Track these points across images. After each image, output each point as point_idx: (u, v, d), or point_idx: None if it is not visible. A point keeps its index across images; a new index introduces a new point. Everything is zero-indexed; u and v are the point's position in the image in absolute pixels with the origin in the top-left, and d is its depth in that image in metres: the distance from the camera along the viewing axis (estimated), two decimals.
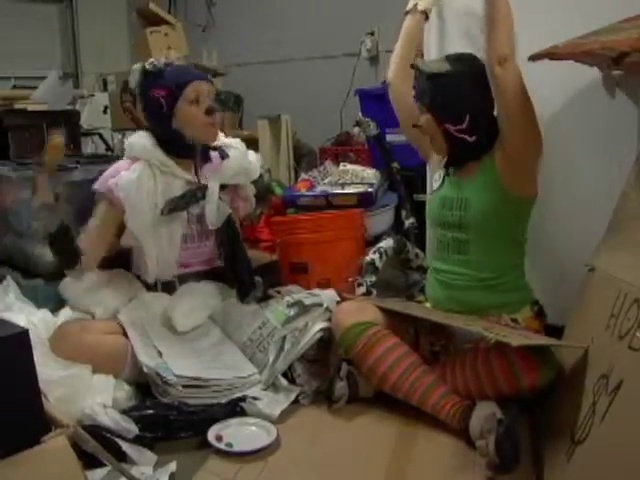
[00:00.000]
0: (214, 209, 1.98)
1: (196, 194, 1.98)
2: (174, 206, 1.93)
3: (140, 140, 1.98)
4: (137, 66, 1.99)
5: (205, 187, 1.99)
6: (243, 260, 2.06)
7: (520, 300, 1.83)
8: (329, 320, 1.88)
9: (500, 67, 1.66)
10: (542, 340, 1.65)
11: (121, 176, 1.89)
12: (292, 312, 1.90)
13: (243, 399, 1.71)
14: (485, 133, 1.78)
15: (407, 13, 2.05)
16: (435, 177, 1.96)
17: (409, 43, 2.04)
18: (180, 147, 1.98)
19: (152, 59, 2.01)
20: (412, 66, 1.85)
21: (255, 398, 1.73)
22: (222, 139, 2.13)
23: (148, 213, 1.89)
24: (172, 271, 2.00)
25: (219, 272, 2.08)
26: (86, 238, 1.89)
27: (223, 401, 1.70)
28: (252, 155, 2.20)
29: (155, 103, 1.95)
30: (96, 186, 1.95)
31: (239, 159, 2.11)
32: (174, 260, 1.98)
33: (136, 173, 1.90)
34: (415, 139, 2.02)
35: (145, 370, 1.71)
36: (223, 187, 2.05)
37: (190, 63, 3.33)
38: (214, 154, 2.07)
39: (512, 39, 1.67)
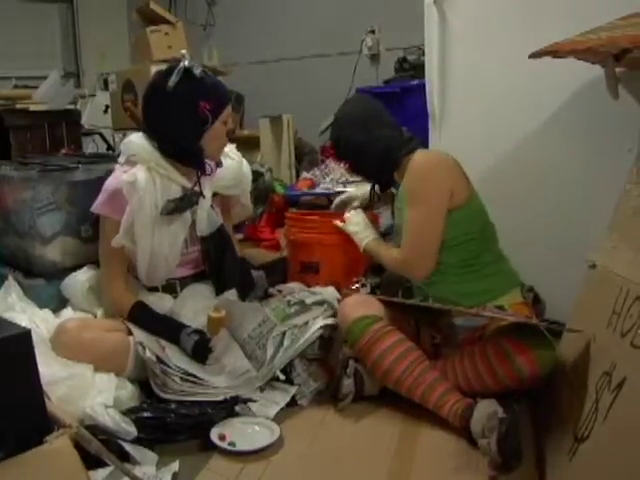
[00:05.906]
0: (205, 217, 1.97)
1: (192, 198, 1.94)
2: (174, 207, 1.89)
3: (139, 141, 1.92)
4: (181, 65, 1.82)
5: (200, 193, 1.95)
6: (231, 272, 2.03)
7: (504, 284, 1.84)
8: (330, 317, 1.90)
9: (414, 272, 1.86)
10: (529, 321, 1.67)
11: (129, 174, 1.84)
12: (293, 310, 1.91)
13: (238, 402, 1.71)
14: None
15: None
16: None
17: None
18: (192, 159, 1.92)
19: (190, 61, 1.83)
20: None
21: (250, 400, 1.73)
22: None
23: (149, 214, 1.85)
24: (167, 275, 1.96)
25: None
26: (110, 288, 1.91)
27: (220, 398, 1.70)
28: (245, 166, 2.19)
29: (198, 113, 1.83)
30: (94, 207, 1.88)
31: (234, 170, 2.11)
32: (174, 263, 1.94)
33: (139, 174, 1.85)
34: None
35: (140, 352, 1.71)
36: (214, 194, 2.05)
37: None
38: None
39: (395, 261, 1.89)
